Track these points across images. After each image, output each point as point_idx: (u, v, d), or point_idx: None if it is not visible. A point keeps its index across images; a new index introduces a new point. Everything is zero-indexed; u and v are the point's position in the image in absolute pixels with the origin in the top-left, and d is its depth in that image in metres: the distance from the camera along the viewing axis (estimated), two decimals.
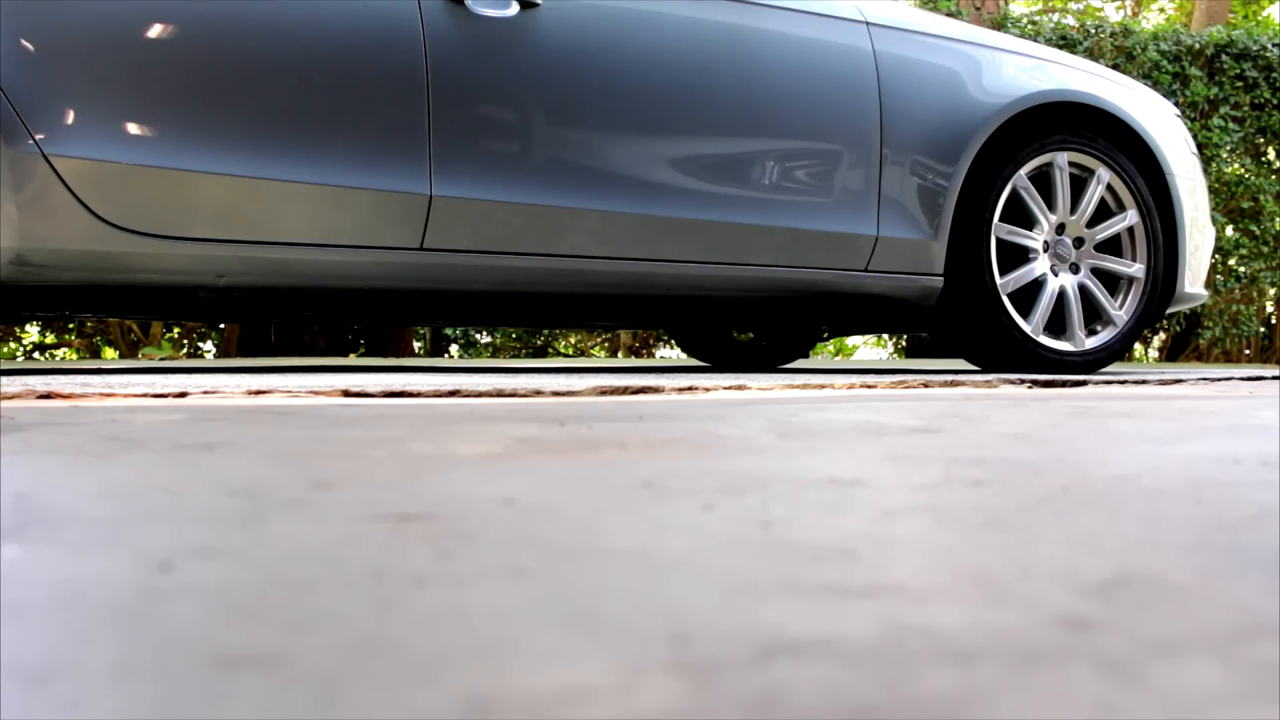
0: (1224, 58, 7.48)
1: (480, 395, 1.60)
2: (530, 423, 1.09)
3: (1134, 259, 3.21)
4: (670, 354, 8.28)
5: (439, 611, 0.36)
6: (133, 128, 2.25)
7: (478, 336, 7.44)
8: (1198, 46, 7.48)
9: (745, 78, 2.77)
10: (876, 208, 2.89)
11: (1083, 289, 3.14)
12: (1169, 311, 3.40)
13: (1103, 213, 3.20)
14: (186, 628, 0.33)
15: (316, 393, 1.53)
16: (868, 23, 2.94)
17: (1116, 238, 3.21)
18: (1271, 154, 7.89)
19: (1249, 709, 0.26)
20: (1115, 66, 6.99)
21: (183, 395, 1.58)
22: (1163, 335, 8.26)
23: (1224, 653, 0.31)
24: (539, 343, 7.91)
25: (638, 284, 2.67)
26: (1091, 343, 3.15)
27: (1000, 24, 7.40)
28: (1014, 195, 3.05)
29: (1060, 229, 3.14)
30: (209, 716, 0.26)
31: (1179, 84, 7.36)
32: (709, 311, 3.28)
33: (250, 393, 1.58)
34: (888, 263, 2.90)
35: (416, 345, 7.42)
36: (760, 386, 2.01)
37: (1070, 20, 9.88)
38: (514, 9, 2.45)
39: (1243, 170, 7.68)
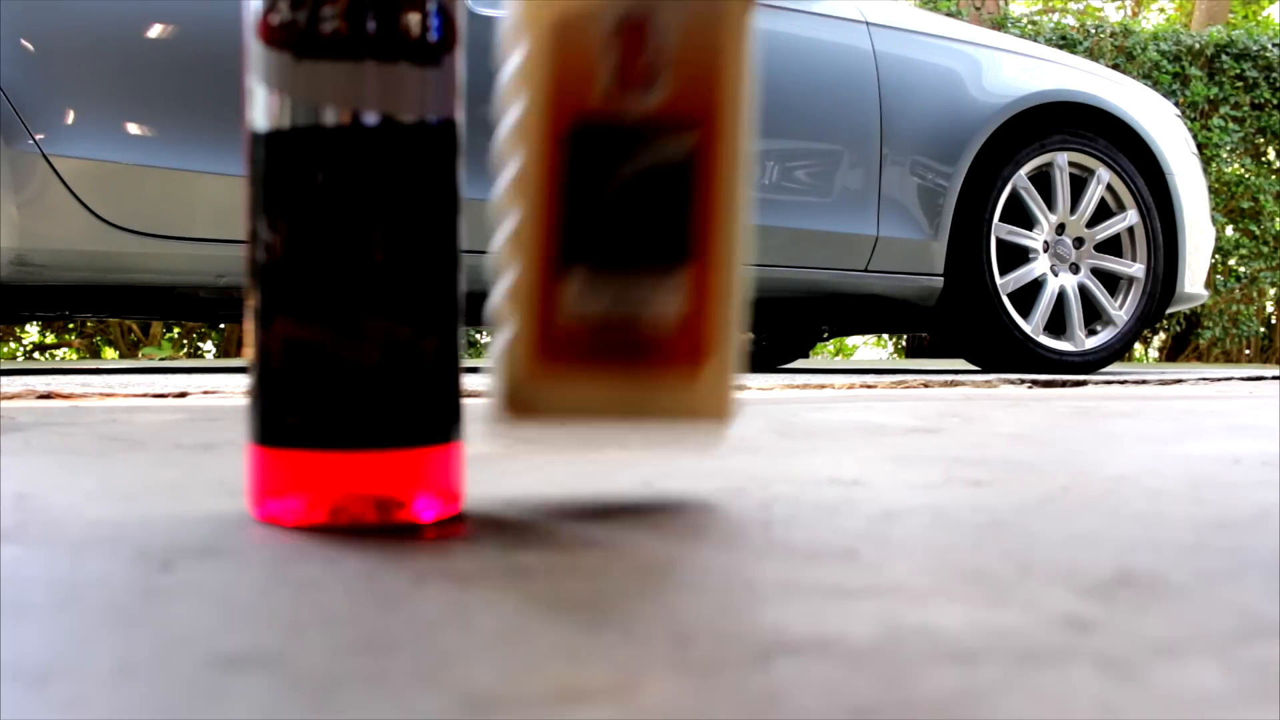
0: (1224, 58, 7.47)
1: (481, 395, 1.60)
2: None
3: (1134, 259, 3.21)
4: None
5: (439, 611, 0.36)
6: (133, 128, 2.25)
7: (478, 336, 7.44)
8: (1198, 46, 7.47)
9: None
10: (876, 208, 2.88)
11: (1083, 289, 3.14)
12: (1169, 311, 3.40)
13: (1103, 213, 3.20)
14: (186, 628, 0.33)
15: None
16: (868, 23, 2.93)
17: (1116, 238, 3.21)
18: (1271, 154, 7.88)
19: (1249, 709, 0.26)
20: (1115, 66, 6.99)
21: (183, 395, 1.58)
22: (1163, 335, 8.26)
23: (1224, 653, 0.31)
24: None
25: None
26: (1091, 343, 3.14)
27: (1000, 24, 7.39)
28: (1014, 195, 3.04)
29: (1060, 229, 3.13)
30: (209, 717, 0.26)
31: (1179, 84, 7.36)
32: None
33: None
34: (888, 263, 2.90)
35: None
36: (760, 386, 2.01)
37: (1070, 20, 9.89)
38: None
39: (1243, 170, 7.68)
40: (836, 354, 9.78)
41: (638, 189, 0.54)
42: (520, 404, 0.54)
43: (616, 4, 0.54)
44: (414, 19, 0.49)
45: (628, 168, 0.54)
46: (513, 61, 0.53)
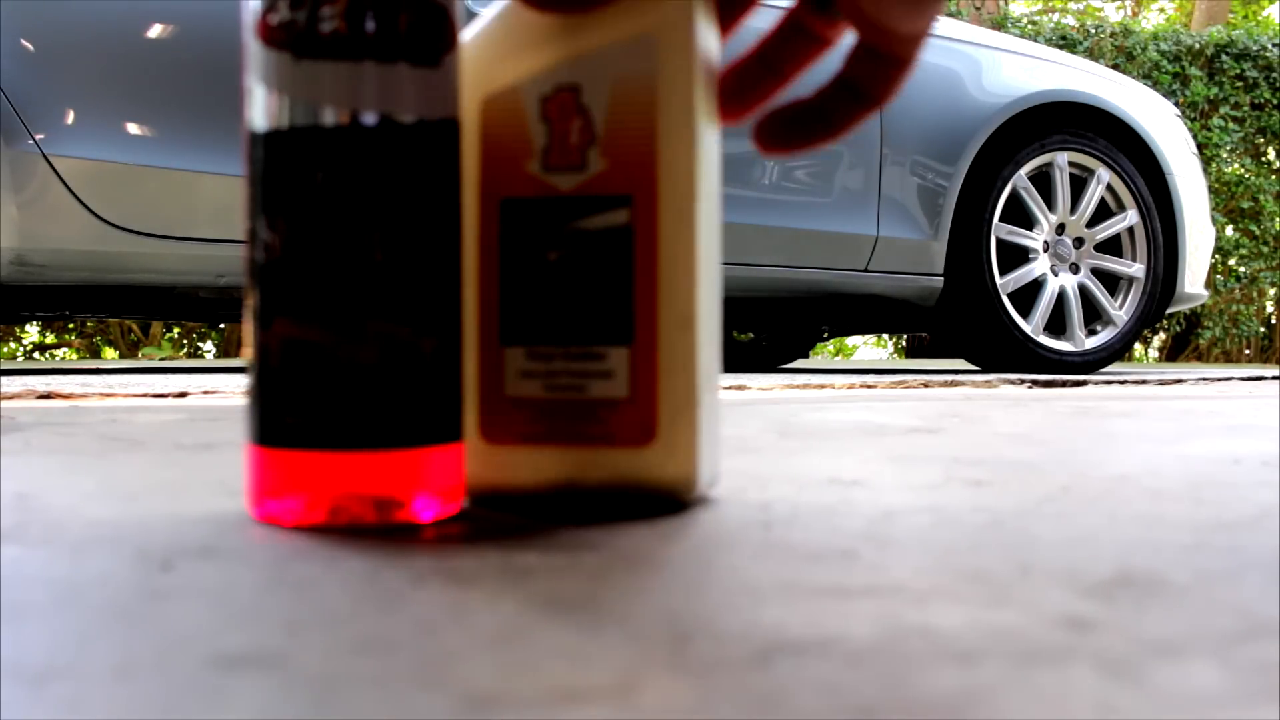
0: (1224, 58, 7.48)
1: None
2: None
3: (1134, 259, 3.22)
4: None
5: (439, 611, 0.36)
6: (133, 128, 2.25)
7: None
8: (1198, 46, 7.47)
9: None
10: (876, 208, 2.88)
11: (1083, 289, 3.14)
12: (1169, 311, 3.40)
13: (1103, 213, 3.20)
14: (186, 627, 0.34)
15: None
16: None
17: (1116, 238, 3.21)
18: (1271, 154, 7.89)
19: (1249, 709, 0.26)
20: (1115, 66, 6.99)
21: (183, 395, 1.58)
22: (1163, 335, 8.26)
23: (1224, 653, 0.31)
24: None
25: None
26: (1091, 343, 3.15)
27: (1000, 24, 7.39)
28: (1014, 195, 3.05)
29: (1060, 229, 3.14)
30: (209, 717, 0.26)
31: (1179, 84, 7.36)
32: None
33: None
34: (888, 263, 2.90)
35: None
36: (760, 386, 2.02)
37: (1070, 20, 9.89)
38: None
39: (1243, 170, 7.68)
40: (836, 354, 9.78)
41: (570, 265, 0.54)
42: (470, 475, 0.54)
43: (544, 77, 0.54)
44: (413, 19, 0.49)
45: (559, 243, 0.54)
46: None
